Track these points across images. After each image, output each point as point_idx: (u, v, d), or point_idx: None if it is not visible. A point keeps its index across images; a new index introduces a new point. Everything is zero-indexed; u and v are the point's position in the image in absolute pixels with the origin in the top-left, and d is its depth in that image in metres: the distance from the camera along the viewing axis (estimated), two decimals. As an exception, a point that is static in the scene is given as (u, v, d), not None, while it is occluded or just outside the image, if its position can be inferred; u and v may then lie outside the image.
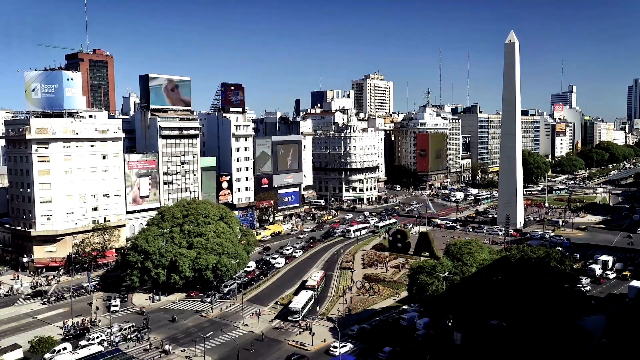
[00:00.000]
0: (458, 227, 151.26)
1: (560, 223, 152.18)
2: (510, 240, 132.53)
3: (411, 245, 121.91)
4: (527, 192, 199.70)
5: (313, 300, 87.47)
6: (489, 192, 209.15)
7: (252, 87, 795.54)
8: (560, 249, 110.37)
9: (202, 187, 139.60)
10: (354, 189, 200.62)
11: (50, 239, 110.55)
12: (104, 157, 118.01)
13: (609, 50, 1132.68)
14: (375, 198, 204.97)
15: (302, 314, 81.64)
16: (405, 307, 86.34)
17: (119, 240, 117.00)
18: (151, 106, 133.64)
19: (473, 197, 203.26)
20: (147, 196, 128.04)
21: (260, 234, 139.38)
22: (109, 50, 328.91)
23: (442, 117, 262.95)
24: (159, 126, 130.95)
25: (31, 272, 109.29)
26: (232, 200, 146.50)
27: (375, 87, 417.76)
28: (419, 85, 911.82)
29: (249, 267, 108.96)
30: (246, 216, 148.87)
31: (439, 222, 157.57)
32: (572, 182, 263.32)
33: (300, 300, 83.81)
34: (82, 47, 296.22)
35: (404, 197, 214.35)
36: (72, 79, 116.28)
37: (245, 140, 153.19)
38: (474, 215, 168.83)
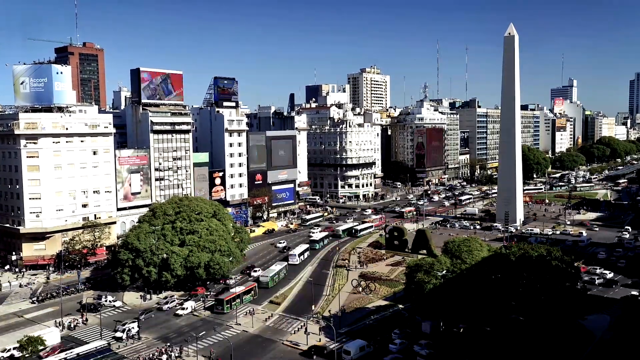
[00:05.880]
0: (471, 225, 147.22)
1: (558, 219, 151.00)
2: (508, 236, 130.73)
3: (408, 243, 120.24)
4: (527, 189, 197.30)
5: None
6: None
7: (245, 81, 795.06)
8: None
9: (194, 184, 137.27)
10: (350, 186, 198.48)
11: (39, 237, 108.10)
12: (94, 153, 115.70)
13: (610, 43, 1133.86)
14: (372, 194, 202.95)
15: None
16: (401, 306, 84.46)
17: (110, 237, 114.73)
18: (142, 101, 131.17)
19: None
20: (139, 193, 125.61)
21: (254, 231, 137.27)
22: (100, 43, 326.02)
23: (439, 112, 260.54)
24: (151, 121, 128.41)
25: (19, 270, 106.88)
26: (225, 197, 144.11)
27: (371, 81, 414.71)
28: (417, 79, 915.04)
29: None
30: (240, 213, 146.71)
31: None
32: (573, 178, 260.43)
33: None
34: (72, 41, 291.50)
35: (400, 194, 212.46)
36: (61, 73, 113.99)
37: (239, 136, 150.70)
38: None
